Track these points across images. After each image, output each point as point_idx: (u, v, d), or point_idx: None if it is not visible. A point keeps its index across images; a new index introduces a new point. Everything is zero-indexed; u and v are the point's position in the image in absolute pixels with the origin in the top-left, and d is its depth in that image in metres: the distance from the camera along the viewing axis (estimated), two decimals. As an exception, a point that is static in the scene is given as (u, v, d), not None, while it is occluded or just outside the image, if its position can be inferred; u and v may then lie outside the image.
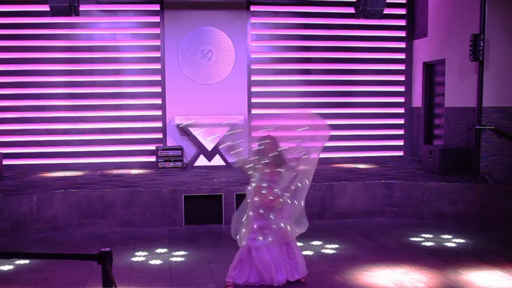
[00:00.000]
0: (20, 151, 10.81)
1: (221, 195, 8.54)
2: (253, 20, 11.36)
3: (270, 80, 11.47)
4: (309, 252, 6.91)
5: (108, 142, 11.08)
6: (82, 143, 11.01)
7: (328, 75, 11.63)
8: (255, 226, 5.52)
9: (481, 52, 9.25)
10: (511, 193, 8.41)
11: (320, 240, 7.47)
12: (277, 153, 5.62)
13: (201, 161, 11.03)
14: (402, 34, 11.82)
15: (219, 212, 8.52)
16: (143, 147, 11.19)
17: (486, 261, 6.51)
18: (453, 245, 7.29)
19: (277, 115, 5.91)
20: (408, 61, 11.85)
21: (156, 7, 11.05)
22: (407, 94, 11.92)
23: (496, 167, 9.48)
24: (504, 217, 8.33)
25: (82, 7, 9.96)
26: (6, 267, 6.30)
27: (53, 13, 9.26)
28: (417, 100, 11.71)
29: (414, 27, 11.74)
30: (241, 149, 5.70)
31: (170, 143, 11.20)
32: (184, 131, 11.08)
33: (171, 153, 10.80)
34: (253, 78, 11.44)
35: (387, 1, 9.79)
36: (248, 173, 5.64)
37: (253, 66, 11.42)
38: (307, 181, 5.66)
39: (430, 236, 7.72)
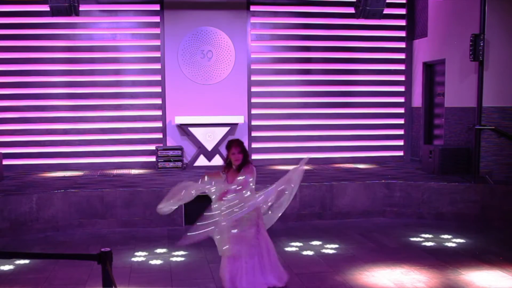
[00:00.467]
0: (20, 151, 10.81)
1: (221, 195, 8.52)
2: (253, 20, 11.36)
3: (270, 80, 11.47)
4: (309, 252, 6.91)
5: (108, 142, 11.09)
6: (82, 143, 11.01)
7: (328, 75, 11.63)
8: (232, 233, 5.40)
9: (481, 52, 9.24)
10: (511, 193, 8.41)
11: (320, 240, 7.48)
12: (243, 153, 5.46)
13: (201, 161, 11.04)
14: (402, 34, 11.82)
15: (219, 212, 8.51)
16: (143, 147, 11.19)
17: (486, 261, 6.51)
18: (453, 245, 7.29)
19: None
20: (408, 61, 11.85)
21: (156, 7, 11.05)
22: (407, 94, 11.92)
23: (496, 167, 9.48)
24: (504, 217, 8.33)
25: (82, 7, 9.96)
26: (6, 267, 6.30)
27: (53, 13, 9.26)
28: (417, 100, 11.71)
29: (414, 27, 11.74)
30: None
31: (170, 143, 11.20)
32: (184, 131, 11.08)
33: (171, 153, 10.80)
34: (253, 78, 11.44)
35: (387, 1, 9.79)
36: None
37: (253, 66, 11.42)
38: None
39: (430, 236, 7.72)
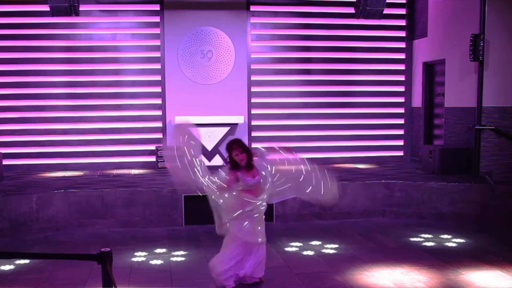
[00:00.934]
0: (20, 151, 10.81)
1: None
2: (253, 20, 11.36)
3: (270, 80, 11.46)
4: (309, 252, 6.91)
5: (108, 142, 11.08)
6: (82, 143, 11.01)
7: (328, 75, 11.63)
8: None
9: (481, 52, 9.25)
10: (511, 193, 8.41)
11: (320, 240, 7.48)
12: (247, 152, 5.51)
13: (201, 161, 11.02)
14: (402, 34, 11.82)
15: (219, 212, 8.51)
16: (143, 147, 11.19)
17: (486, 261, 6.51)
18: (453, 245, 7.29)
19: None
20: (408, 61, 11.85)
21: (156, 7, 11.05)
22: (407, 94, 11.92)
23: (496, 167, 9.48)
24: (504, 217, 8.33)
25: (82, 7, 9.96)
26: (6, 267, 6.30)
27: (53, 13, 9.26)
28: (417, 100, 11.71)
29: (414, 27, 11.74)
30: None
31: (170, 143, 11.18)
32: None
33: (171, 153, 10.77)
34: (253, 78, 11.44)
35: (387, 1, 9.79)
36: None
37: (253, 66, 11.42)
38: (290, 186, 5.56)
39: (430, 236, 7.72)
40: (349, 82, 11.73)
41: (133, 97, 11.13)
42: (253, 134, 11.46)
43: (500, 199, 8.47)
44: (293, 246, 7.22)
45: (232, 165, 5.54)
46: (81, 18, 10.44)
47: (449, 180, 9.03)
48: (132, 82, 11.13)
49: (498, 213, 8.42)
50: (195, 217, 8.51)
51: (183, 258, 6.73)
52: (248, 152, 5.53)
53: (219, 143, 10.95)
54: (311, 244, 7.28)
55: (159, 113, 11.19)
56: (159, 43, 11.11)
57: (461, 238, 7.61)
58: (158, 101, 11.18)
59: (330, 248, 7.11)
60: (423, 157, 10.27)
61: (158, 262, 6.57)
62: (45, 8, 9.73)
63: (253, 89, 11.45)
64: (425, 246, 7.24)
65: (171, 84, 11.16)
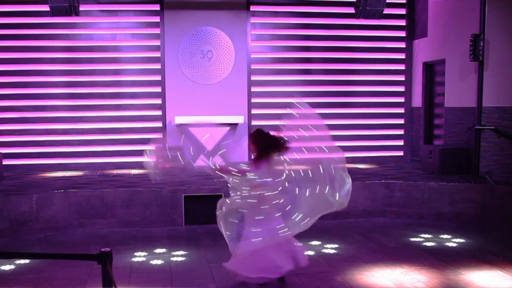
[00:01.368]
0: (20, 151, 10.81)
1: (221, 195, 8.52)
2: (253, 20, 11.36)
3: (270, 80, 11.46)
4: (309, 252, 6.91)
5: (108, 142, 11.08)
6: (82, 143, 11.01)
7: (328, 75, 11.62)
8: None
9: (481, 52, 9.25)
10: (511, 193, 8.41)
11: (320, 240, 7.47)
12: (268, 140, 5.51)
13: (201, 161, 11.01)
14: (402, 34, 11.82)
15: (219, 212, 8.51)
16: (143, 147, 11.12)
17: (486, 261, 6.51)
18: (453, 245, 7.29)
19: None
20: (408, 61, 11.85)
21: (156, 7, 11.05)
22: (407, 94, 11.92)
23: (496, 167, 9.48)
24: (504, 217, 8.33)
25: (82, 7, 9.96)
26: (6, 267, 6.30)
27: (53, 13, 9.27)
28: (417, 100, 11.71)
29: (414, 27, 11.74)
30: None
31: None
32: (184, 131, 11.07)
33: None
34: (253, 78, 11.44)
35: (387, 1, 9.79)
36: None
37: (253, 66, 11.42)
38: (308, 190, 5.43)
39: (430, 236, 7.72)
40: (349, 82, 11.73)
41: (133, 97, 11.13)
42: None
43: (500, 199, 8.47)
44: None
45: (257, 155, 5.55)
46: (81, 18, 10.44)
47: (449, 180, 9.03)
48: (132, 82, 11.13)
49: (498, 213, 8.42)
50: (195, 217, 8.51)
51: (183, 258, 6.73)
52: (258, 145, 5.57)
53: (219, 143, 10.93)
54: (311, 244, 7.27)
55: (159, 113, 11.19)
56: (159, 43, 11.11)
57: (461, 238, 7.62)
58: (158, 101, 11.18)
59: (330, 248, 7.11)
60: (423, 157, 10.27)
61: (158, 262, 6.58)
62: (45, 8, 9.73)
63: (253, 89, 11.45)
64: (425, 246, 7.24)
65: (171, 84, 11.16)
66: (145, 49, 11.12)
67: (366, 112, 11.77)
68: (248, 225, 5.54)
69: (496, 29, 9.44)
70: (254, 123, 11.45)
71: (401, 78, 11.91)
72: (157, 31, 11.09)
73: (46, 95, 10.88)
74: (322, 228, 8.22)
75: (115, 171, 10.64)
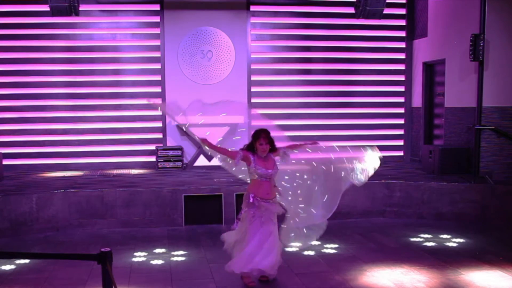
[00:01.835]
0: (20, 151, 10.81)
1: (221, 195, 8.54)
2: (253, 20, 11.36)
3: (270, 80, 11.47)
4: (309, 252, 6.91)
5: (108, 142, 11.08)
6: (81, 143, 11.01)
7: (328, 75, 11.63)
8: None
9: (481, 52, 9.25)
10: (511, 193, 8.41)
11: (320, 240, 7.44)
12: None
13: (201, 161, 11.03)
14: (402, 34, 11.82)
15: (219, 212, 8.52)
16: (143, 147, 11.19)
17: (486, 261, 6.51)
18: (453, 245, 7.29)
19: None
20: (408, 61, 11.85)
21: (156, 7, 11.05)
22: (407, 94, 11.92)
23: (496, 167, 9.48)
24: (504, 217, 8.33)
25: (82, 7, 9.96)
26: (7, 267, 6.30)
27: (53, 13, 9.27)
28: (417, 100, 11.71)
29: (414, 27, 11.74)
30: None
31: (170, 143, 11.19)
32: (184, 131, 11.07)
33: (171, 153, 10.80)
34: (253, 78, 11.44)
35: (387, 1, 9.79)
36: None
37: (253, 66, 11.42)
38: (309, 182, 5.71)
39: (430, 236, 7.72)
40: (349, 82, 11.73)
41: (133, 97, 11.12)
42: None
43: (500, 199, 8.47)
44: (293, 246, 7.19)
45: (248, 147, 5.81)
46: (81, 18, 10.44)
47: (449, 180, 9.03)
48: (132, 82, 11.13)
49: (498, 213, 8.42)
50: (195, 217, 8.51)
51: (183, 258, 6.73)
52: (272, 144, 5.76)
53: (219, 143, 10.92)
54: (311, 244, 7.24)
55: (159, 113, 11.18)
56: (159, 43, 11.11)
57: (461, 238, 7.61)
58: (158, 101, 11.17)
59: (330, 248, 7.11)
60: (423, 157, 10.26)
61: (158, 262, 6.57)
62: (45, 8, 9.73)
63: (253, 89, 11.45)
64: (425, 246, 7.24)
65: (171, 84, 11.16)
66: (145, 49, 11.12)
67: (366, 112, 11.77)
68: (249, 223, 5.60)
69: (496, 29, 9.44)
70: (254, 123, 11.43)
71: (401, 78, 11.92)
72: (157, 31, 11.09)
73: (46, 95, 10.88)
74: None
75: (115, 171, 10.64)
